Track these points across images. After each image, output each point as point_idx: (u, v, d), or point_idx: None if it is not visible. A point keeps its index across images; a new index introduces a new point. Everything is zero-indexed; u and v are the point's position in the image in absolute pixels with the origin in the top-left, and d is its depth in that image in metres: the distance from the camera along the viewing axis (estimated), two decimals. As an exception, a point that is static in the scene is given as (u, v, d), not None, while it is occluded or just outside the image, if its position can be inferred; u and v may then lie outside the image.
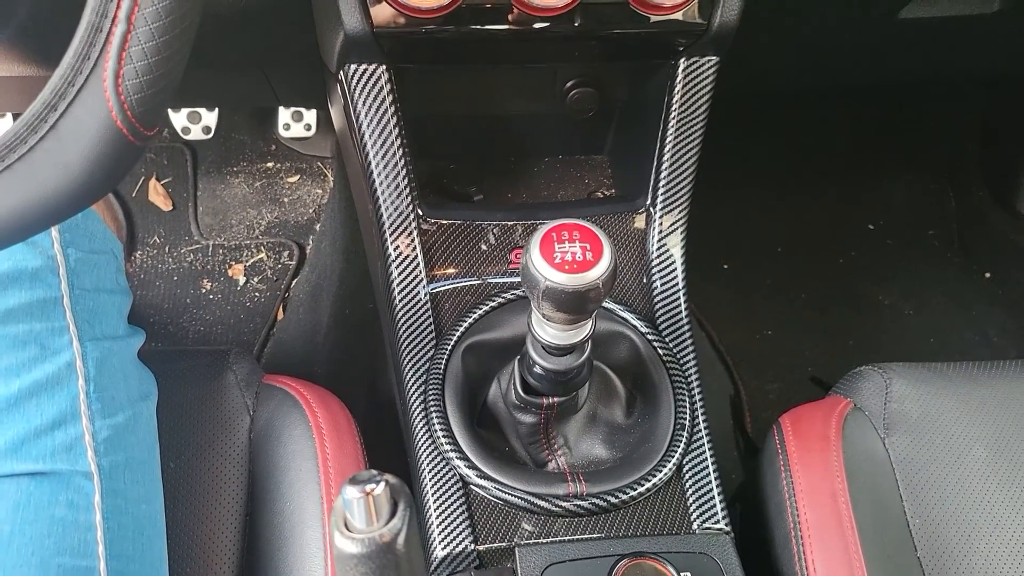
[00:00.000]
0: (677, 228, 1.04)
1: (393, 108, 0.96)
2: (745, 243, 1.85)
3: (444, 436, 0.89)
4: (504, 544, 0.85)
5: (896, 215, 1.93)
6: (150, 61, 0.55)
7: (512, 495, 0.85)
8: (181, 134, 1.76)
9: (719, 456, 0.92)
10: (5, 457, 0.73)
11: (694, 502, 0.88)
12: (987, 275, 1.86)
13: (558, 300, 0.70)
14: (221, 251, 1.76)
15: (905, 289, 1.83)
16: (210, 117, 1.75)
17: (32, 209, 0.56)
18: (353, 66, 0.94)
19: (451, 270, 1.01)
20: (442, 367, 0.94)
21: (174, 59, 0.56)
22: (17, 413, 0.74)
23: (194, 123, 1.74)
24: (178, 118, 1.74)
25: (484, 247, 1.02)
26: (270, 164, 1.87)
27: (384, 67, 0.94)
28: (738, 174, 1.85)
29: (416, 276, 0.99)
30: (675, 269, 1.03)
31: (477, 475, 0.87)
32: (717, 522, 0.88)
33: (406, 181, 0.98)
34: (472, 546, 0.85)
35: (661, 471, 0.88)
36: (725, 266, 1.82)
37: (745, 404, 1.60)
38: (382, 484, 0.46)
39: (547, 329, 0.77)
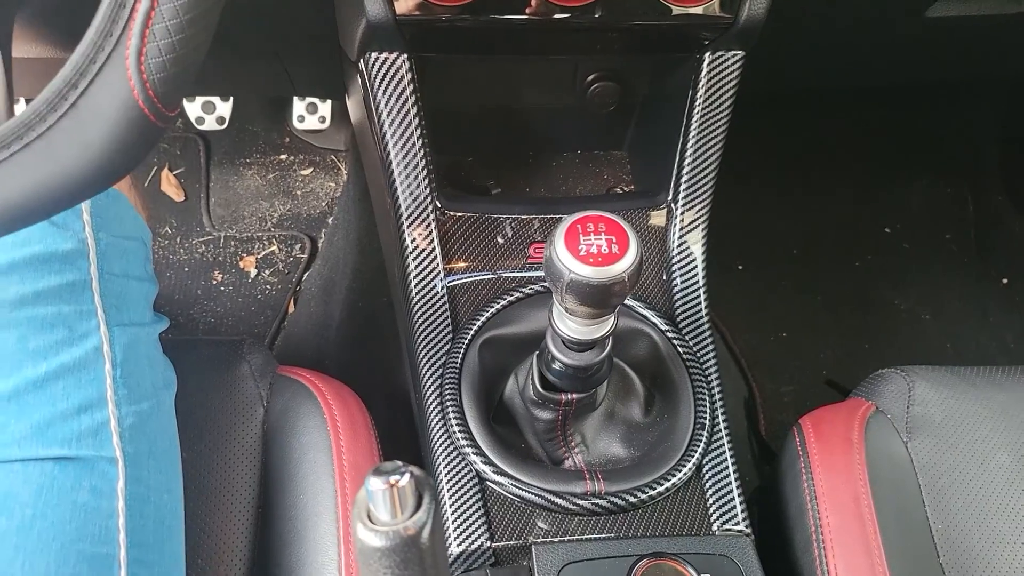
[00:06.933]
0: (698, 225, 1.02)
1: (414, 98, 0.95)
2: (760, 244, 1.83)
3: (460, 431, 0.87)
4: (520, 542, 0.83)
5: (913, 218, 1.91)
6: (174, 39, 0.54)
7: (529, 492, 0.84)
8: (195, 124, 1.75)
9: (734, 458, 0.91)
10: (30, 440, 0.72)
11: (714, 503, 0.87)
12: (1004, 281, 1.83)
13: (582, 293, 0.68)
14: (233, 243, 1.75)
15: (922, 293, 1.81)
16: (224, 107, 1.74)
17: (50, 188, 0.54)
18: (374, 55, 0.93)
19: (467, 264, 1.00)
20: (458, 361, 0.92)
21: (199, 38, 0.55)
22: (43, 395, 0.73)
23: (208, 113, 1.73)
24: (192, 108, 1.73)
25: (501, 240, 1.01)
26: (283, 156, 1.85)
27: (405, 56, 0.93)
28: (754, 173, 1.83)
29: (433, 268, 0.98)
30: (695, 266, 1.02)
31: (493, 471, 0.85)
32: (737, 523, 0.86)
33: (425, 171, 0.97)
34: (488, 543, 0.83)
35: (681, 471, 0.86)
36: (740, 267, 1.80)
37: (759, 406, 1.58)
38: (407, 476, 0.44)
39: (569, 323, 0.75)
